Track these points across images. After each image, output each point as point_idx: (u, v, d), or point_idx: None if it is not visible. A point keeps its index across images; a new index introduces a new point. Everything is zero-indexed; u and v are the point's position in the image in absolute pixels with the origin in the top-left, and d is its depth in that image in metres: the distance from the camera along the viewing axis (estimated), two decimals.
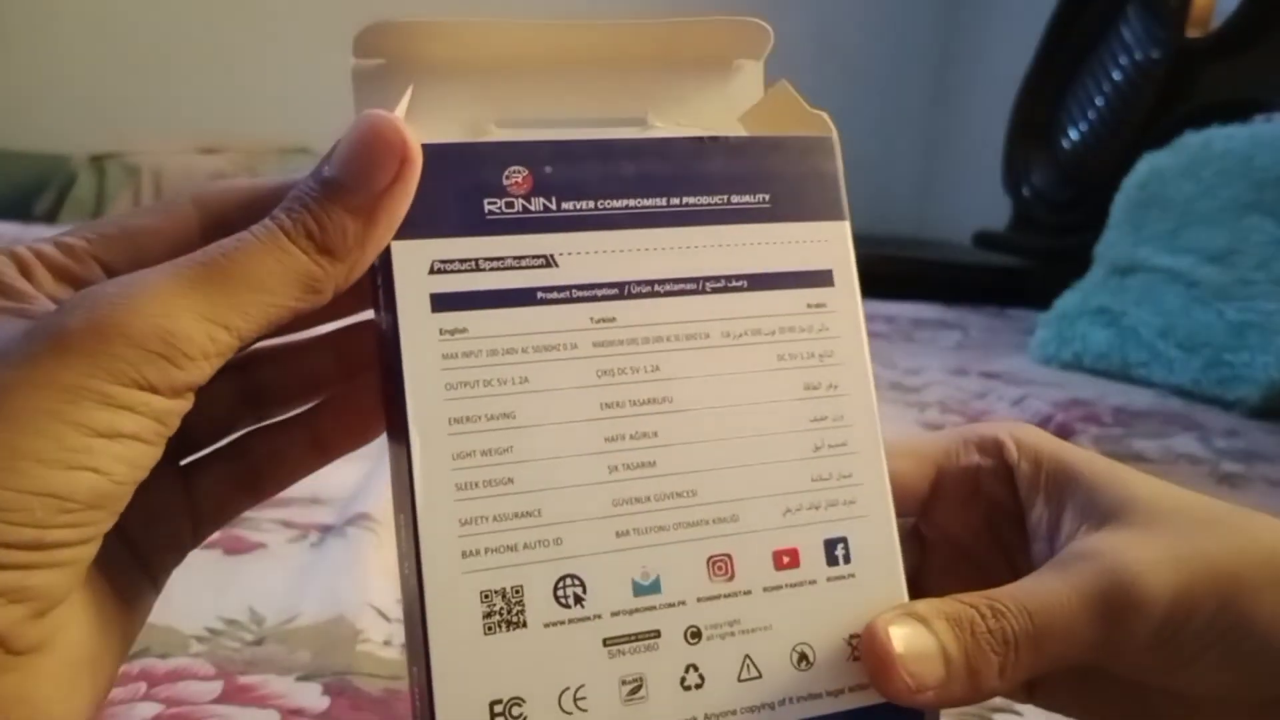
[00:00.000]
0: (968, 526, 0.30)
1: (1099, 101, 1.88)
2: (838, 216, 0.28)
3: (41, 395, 0.20)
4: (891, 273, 2.02)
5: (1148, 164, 1.30)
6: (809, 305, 0.27)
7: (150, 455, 0.21)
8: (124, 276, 0.21)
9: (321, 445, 0.28)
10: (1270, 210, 1.13)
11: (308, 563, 0.52)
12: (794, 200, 0.27)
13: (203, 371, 0.21)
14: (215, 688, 0.40)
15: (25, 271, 0.23)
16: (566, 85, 0.27)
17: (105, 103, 2.27)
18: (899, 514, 0.28)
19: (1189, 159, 1.24)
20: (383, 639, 0.44)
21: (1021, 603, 0.24)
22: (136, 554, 0.25)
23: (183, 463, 0.27)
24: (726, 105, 0.29)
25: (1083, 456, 0.28)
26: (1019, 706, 0.43)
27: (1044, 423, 0.91)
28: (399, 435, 0.24)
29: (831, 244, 0.28)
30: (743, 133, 0.28)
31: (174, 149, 2.20)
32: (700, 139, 0.27)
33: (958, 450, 0.30)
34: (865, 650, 0.25)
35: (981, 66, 2.48)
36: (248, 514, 0.54)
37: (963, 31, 2.58)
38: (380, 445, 0.26)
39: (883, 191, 2.70)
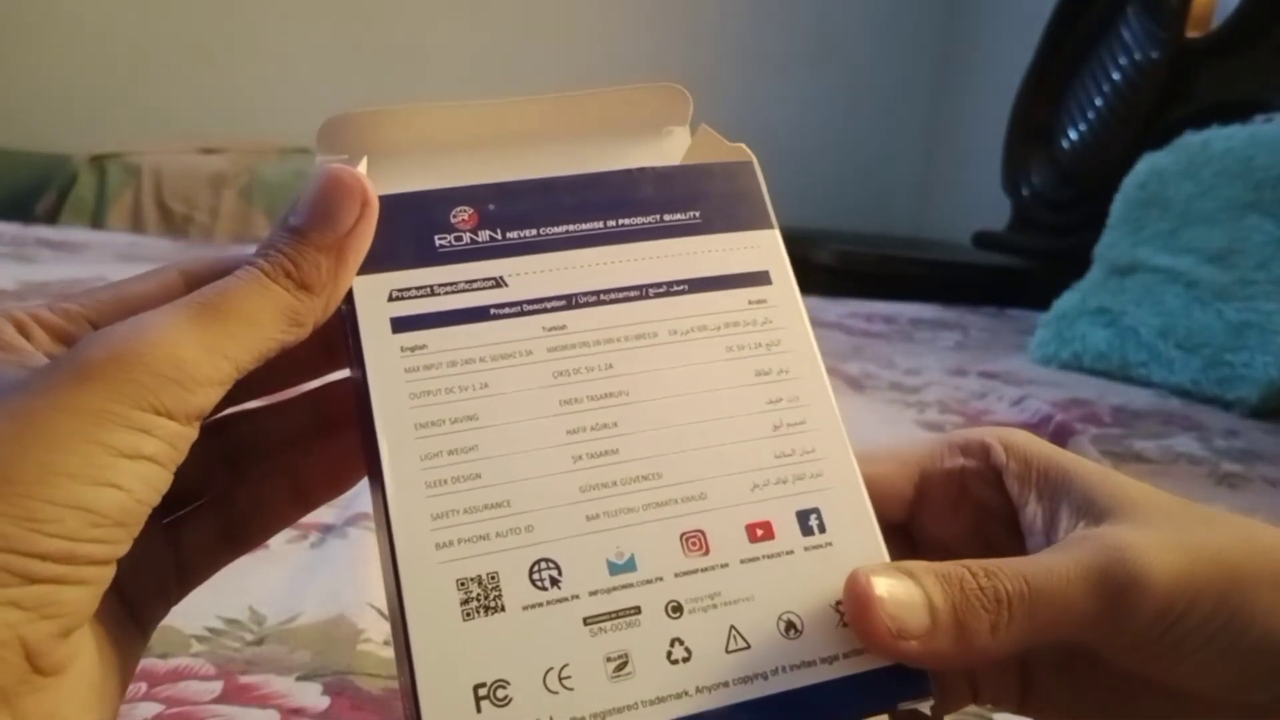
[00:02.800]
0: (957, 530, 0.30)
1: (1099, 102, 1.88)
2: (766, 225, 0.30)
3: (69, 419, 0.21)
4: (891, 273, 2.03)
5: (1147, 164, 1.30)
6: (750, 302, 0.28)
7: (165, 479, 0.22)
8: (132, 318, 0.23)
9: (302, 497, 0.29)
10: (1270, 210, 1.13)
11: (308, 563, 0.52)
12: (723, 215, 0.29)
13: (209, 398, 0.23)
14: (215, 687, 0.40)
15: (23, 332, 0.24)
16: (512, 157, 0.29)
17: (105, 103, 2.27)
18: (885, 518, 0.28)
19: (1188, 159, 1.24)
20: (383, 639, 0.44)
21: (1017, 567, 0.24)
22: (126, 604, 0.26)
23: (167, 520, 0.28)
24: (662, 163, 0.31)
25: (1074, 458, 0.28)
26: None
27: (1043, 422, 0.91)
28: (371, 453, 0.25)
29: (764, 249, 0.29)
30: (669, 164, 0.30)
31: (174, 149, 2.20)
32: (629, 170, 0.29)
33: (941, 453, 0.30)
34: (846, 596, 0.25)
35: (981, 66, 2.48)
36: None
37: (963, 31, 2.59)
38: None
39: (883, 191, 2.70)
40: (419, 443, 0.25)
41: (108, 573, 0.22)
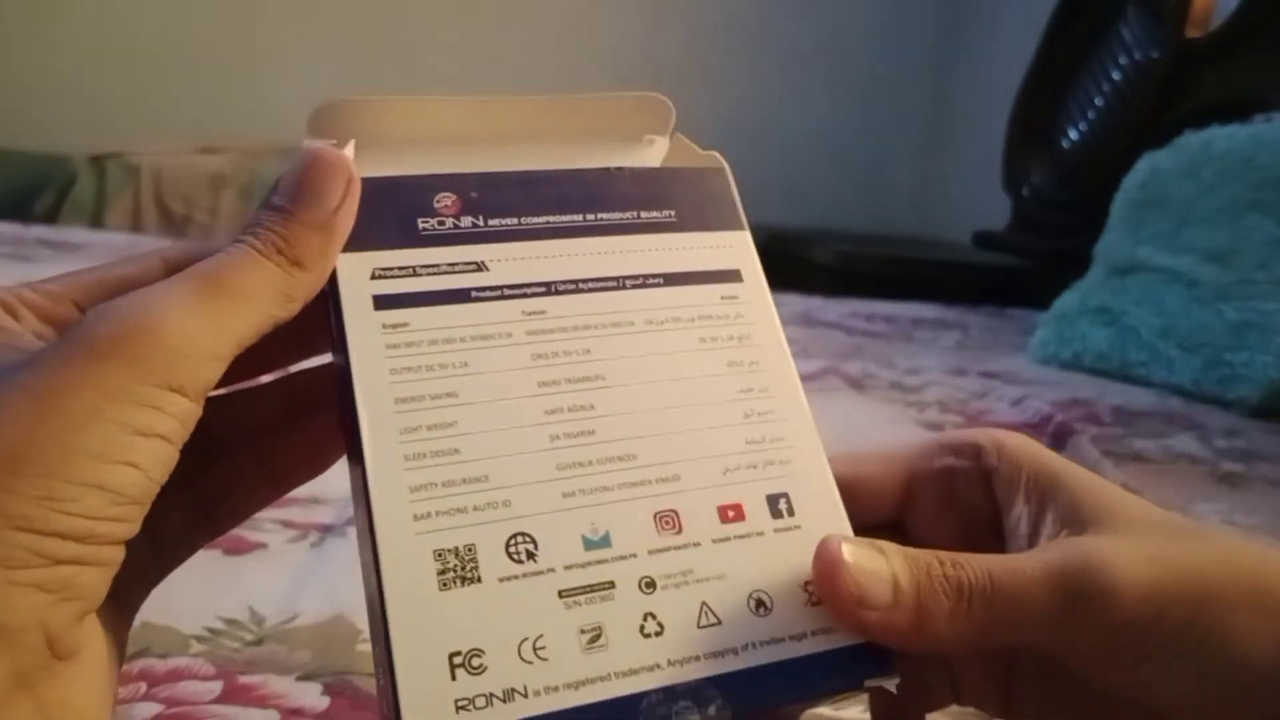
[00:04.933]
0: (946, 530, 0.30)
1: (1099, 101, 1.88)
2: (738, 227, 0.31)
3: (86, 396, 0.21)
4: (891, 273, 2.03)
5: (1148, 164, 1.30)
6: (722, 297, 0.29)
7: (174, 457, 0.22)
8: (135, 292, 0.23)
9: (275, 479, 0.29)
10: (1270, 210, 1.13)
11: (308, 563, 0.52)
12: (697, 215, 0.30)
13: (216, 373, 0.23)
14: (215, 688, 0.40)
15: (10, 313, 0.24)
16: (496, 154, 0.30)
17: (105, 103, 2.27)
18: (873, 518, 0.29)
19: (1189, 159, 1.24)
20: None
21: (984, 562, 0.25)
22: (112, 588, 0.25)
23: None
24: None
25: (1066, 464, 0.28)
26: None
27: (1044, 422, 0.91)
28: (351, 429, 0.25)
29: (735, 249, 0.30)
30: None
31: (174, 149, 2.20)
32: (608, 169, 0.30)
33: (931, 453, 0.30)
34: (816, 560, 0.26)
35: (981, 67, 2.48)
36: None
37: (963, 32, 2.59)
38: None
39: (883, 191, 2.70)
40: (398, 417, 0.25)
41: (120, 553, 0.22)
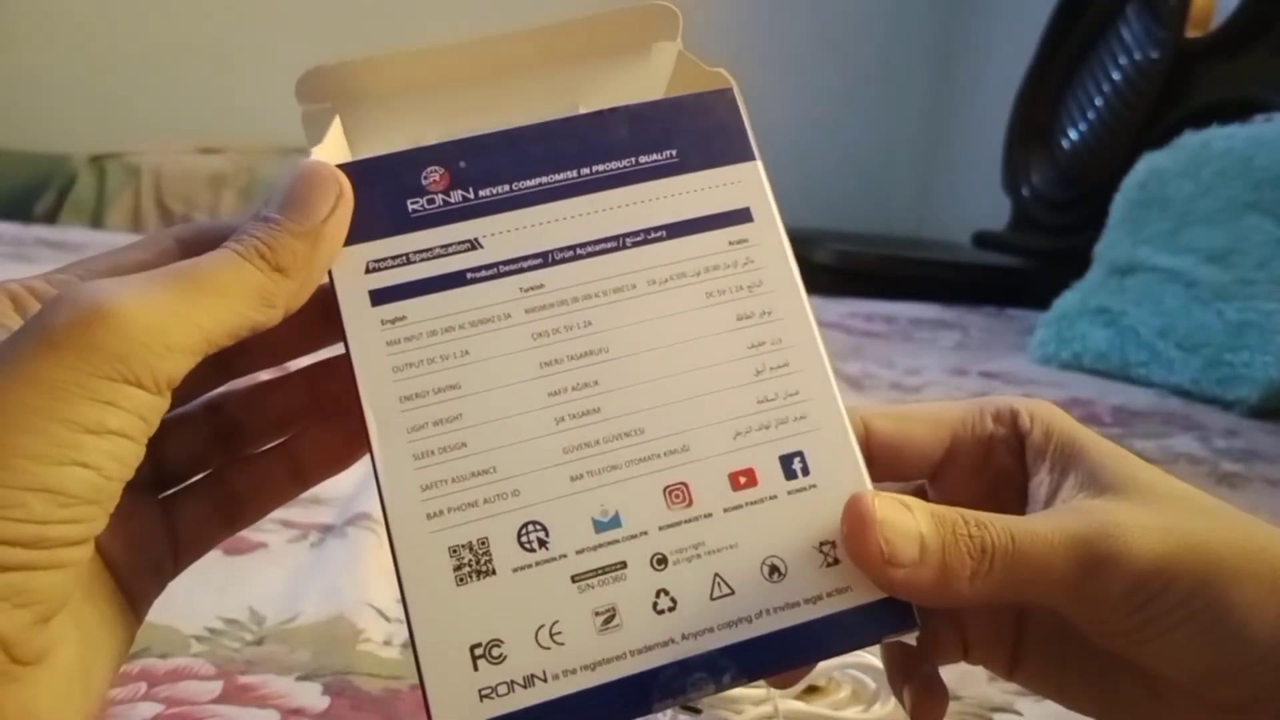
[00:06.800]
0: (974, 494, 0.30)
1: (1098, 101, 1.88)
2: (747, 157, 0.29)
3: (30, 392, 0.20)
4: (891, 273, 2.03)
5: (1147, 164, 1.30)
6: (730, 242, 0.28)
7: (135, 453, 0.22)
8: (100, 280, 0.22)
9: (300, 473, 0.29)
10: (1270, 210, 1.13)
11: (308, 563, 0.52)
12: (701, 151, 0.29)
13: (180, 365, 0.22)
14: (215, 687, 0.40)
15: (20, 305, 0.24)
16: (498, 91, 0.29)
17: (105, 103, 2.27)
18: (911, 476, 0.29)
19: (1188, 159, 1.24)
20: (383, 639, 0.44)
21: (1006, 524, 0.25)
22: (120, 582, 0.25)
23: (163, 495, 0.28)
24: (651, 86, 0.31)
25: (1093, 436, 0.29)
26: (1019, 705, 0.43)
27: None
28: (363, 423, 0.26)
29: (745, 184, 0.29)
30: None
31: (174, 149, 2.19)
32: (600, 112, 0.28)
33: (974, 419, 0.30)
34: (846, 516, 0.26)
35: (981, 66, 2.48)
36: None
37: (963, 31, 2.59)
38: None
39: (883, 191, 2.70)
40: (405, 415, 0.25)
41: (83, 553, 0.21)
